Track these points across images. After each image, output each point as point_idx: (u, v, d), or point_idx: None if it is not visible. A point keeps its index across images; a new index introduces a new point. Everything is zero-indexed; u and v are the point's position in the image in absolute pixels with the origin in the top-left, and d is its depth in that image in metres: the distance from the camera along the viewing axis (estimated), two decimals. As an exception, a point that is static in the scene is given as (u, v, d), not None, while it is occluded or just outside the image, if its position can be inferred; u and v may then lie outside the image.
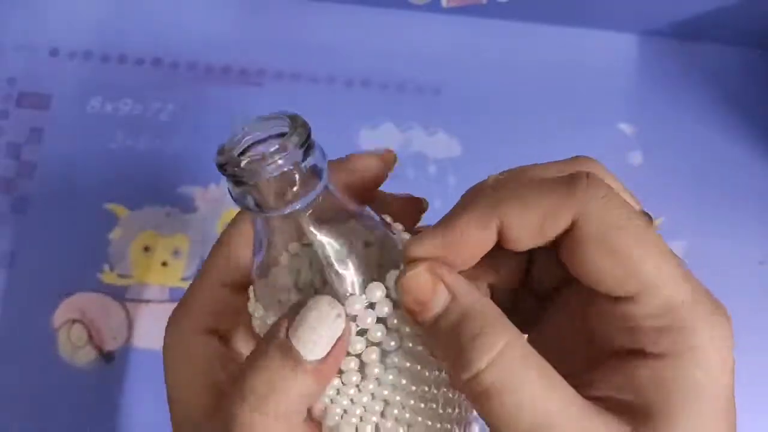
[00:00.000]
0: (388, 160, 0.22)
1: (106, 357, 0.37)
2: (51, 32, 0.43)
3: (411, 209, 0.23)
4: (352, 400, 0.18)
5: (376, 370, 0.18)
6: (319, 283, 0.19)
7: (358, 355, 0.18)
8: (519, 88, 0.45)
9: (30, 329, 0.37)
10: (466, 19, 0.46)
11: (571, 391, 0.16)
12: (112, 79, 0.42)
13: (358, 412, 0.19)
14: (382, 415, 0.19)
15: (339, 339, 0.17)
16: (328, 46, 0.44)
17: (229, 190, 0.17)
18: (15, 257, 0.38)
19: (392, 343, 0.18)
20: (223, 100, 0.43)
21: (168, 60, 0.43)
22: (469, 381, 0.16)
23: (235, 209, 0.40)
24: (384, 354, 0.18)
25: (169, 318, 0.22)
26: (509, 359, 0.16)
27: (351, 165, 0.21)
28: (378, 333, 0.18)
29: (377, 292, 0.18)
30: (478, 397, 0.16)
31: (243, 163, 0.16)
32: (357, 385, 0.18)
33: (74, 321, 0.38)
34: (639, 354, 0.17)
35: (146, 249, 0.39)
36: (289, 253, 0.19)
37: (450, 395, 0.20)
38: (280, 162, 0.16)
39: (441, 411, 0.20)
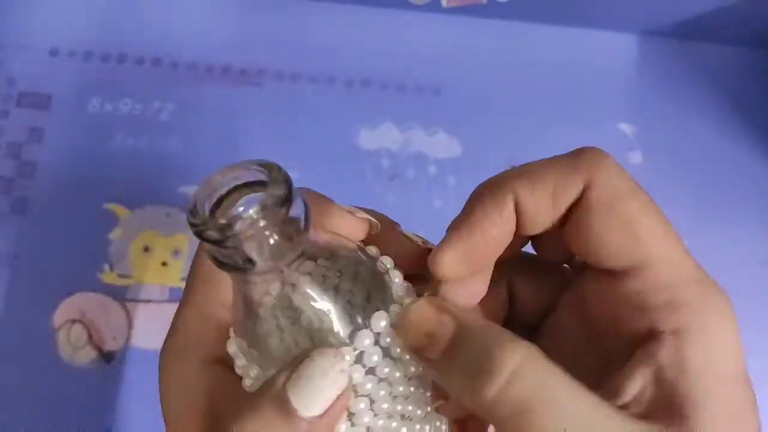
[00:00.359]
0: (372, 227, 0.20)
1: (106, 357, 0.37)
2: (51, 32, 0.43)
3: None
4: None
5: (365, 418, 0.17)
6: (305, 333, 0.17)
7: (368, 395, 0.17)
8: (519, 88, 0.45)
9: (30, 329, 0.37)
10: (466, 19, 0.46)
11: (598, 398, 0.15)
12: (112, 79, 0.42)
13: None
14: None
15: (340, 395, 0.16)
16: (328, 46, 0.44)
17: (206, 250, 0.16)
18: (15, 257, 0.38)
19: (381, 393, 0.17)
20: (223, 100, 0.43)
21: (168, 60, 0.43)
22: (494, 400, 0.15)
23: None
24: (372, 402, 0.18)
25: (164, 346, 0.21)
26: (533, 369, 0.15)
27: (335, 225, 0.19)
28: (368, 385, 0.17)
29: (365, 340, 0.17)
30: (509, 417, 0.15)
31: (219, 226, 0.15)
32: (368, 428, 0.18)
33: (74, 321, 0.38)
34: (652, 337, 0.16)
35: (146, 249, 0.39)
36: (273, 304, 0.18)
37: None
38: (261, 224, 0.14)
39: None
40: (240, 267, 0.15)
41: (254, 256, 0.15)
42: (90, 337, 0.37)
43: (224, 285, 0.19)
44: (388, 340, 0.17)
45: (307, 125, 0.42)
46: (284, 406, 0.16)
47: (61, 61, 0.43)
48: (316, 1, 0.45)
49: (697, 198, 0.43)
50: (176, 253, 0.39)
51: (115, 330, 0.38)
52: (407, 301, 0.18)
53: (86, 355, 0.37)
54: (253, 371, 0.18)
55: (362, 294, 0.18)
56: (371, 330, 0.17)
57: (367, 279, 0.18)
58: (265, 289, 0.17)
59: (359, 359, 0.17)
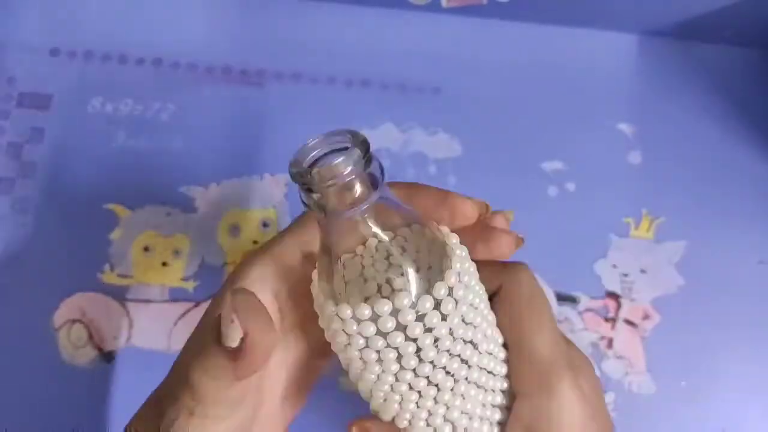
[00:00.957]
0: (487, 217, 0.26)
1: (107, 357, 0.37)
2: (51, 32, 0.43)
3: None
4: (392, 387, 0.21)
5: (413, 362, 0.21)
6: (379, 279, 0.22)
7: (397, 348, 0.21)
8: (519, 88, 0.45)
9: (30, 329, 0.37)
10: (466, 19, 0.46)
11: None
12: (113, 79, 0.42)
13: (397, 396, 0.22)
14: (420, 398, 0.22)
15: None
16: (328, 46, 0.44)
17: (300, 197, 0.20)
18: (15, 257, 0.38)
19: (427, 341, 0.21)
20: (224, 100, 0.43)
21: (168, 60, 0.43)
22: None
23: (234, 210, 0.40)
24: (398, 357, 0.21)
25: (255, 256, 0.24)
26: None
27: (451, 207, 0.24)
28: (416, 330, 0.20)
29: (426, 303, 0.20)
30: None
31: (313, 172, 0.19)
32: (395, 374, 0.21)
33: (74, 321, 0.38)
34: (518, 395, 0.23)
35: (146, 249, 0.39)
36: (353, 252, 0.22)
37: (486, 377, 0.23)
38: (344, 172, 0.19)
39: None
40: (324, 213, 0.19)
41: (336, 202, 0.19)
42: (90, 336, 0.37)
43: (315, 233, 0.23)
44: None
45: (308, 125, 0.42)
46: (216, 334, 0.20)
47: (62, 61, 0.43)
48: (316, 1, 0.45)
49: (697, 198, 0.43)
50: (177, 253, 0.39)
51: (115, 330, 0.38)
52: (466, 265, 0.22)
53: (86, 355, 0.37)
54: (328, 309, 0.21)
55: (426, 259, 0.22)
56: (433, 296, 0.20)
57: (433, 250, 0.22)
58: (347, 244, 0.22)
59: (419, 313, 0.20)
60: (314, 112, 0.43)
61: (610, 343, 0.40)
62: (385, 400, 0.22)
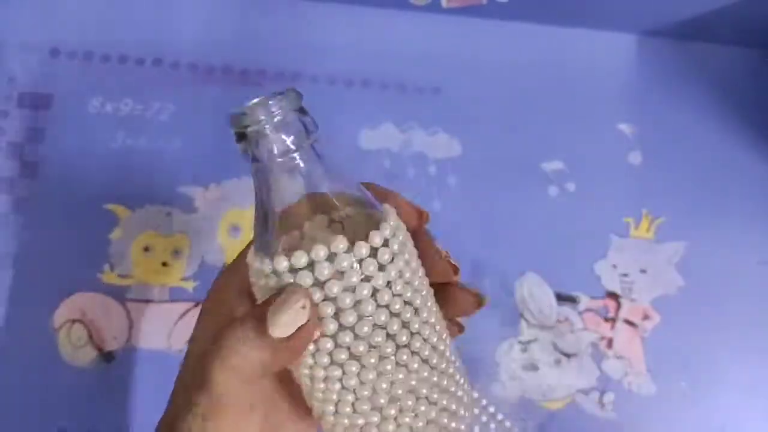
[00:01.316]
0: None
1: (107, 357, 0.37)
2: (51, 32, 0.43)
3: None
4: (331, 357, 0.21)
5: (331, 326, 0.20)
6: (319, 238, 0.21)
7: (335, 299, 0.20)
8: (519, 88, 0.45)
9: (30, 329, 0.37)
10: (466, 19, 0.46)
11: None
12: (113, 80, 0.42)
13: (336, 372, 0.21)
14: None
15: (303, 327, 0.20)
16: (329, 47, 0.44)
17: (238, 147, 0.20)
18: (16, 257, 0.38)
19: (365, 291, 0.20)
20: (224, 101, 0.43)
21: (169, 60, 0.43)
22: None
23: (234, 210, 0.40)
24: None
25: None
26: None
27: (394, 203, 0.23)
28: (353, 277, 0.20)
29: (362, 249, 0.20)
30: None
31: (246, 109, 0.20)
32: (333, 337, 0.20)
33: (74, 321, 0.38)
34: None
35: (147, 249, 0.39)
36: (288, 204, 0.21)
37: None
38: (276, 109, 0.20)
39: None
40: (257, 160, 0.20)
41: (275, 147, 0.20)
42: (90, 336, 0.37)
43: None
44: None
45: (308, 125, 0.42)
46: (261, 325, 0.20)
47: (62, 62, 0.43)
48: (316, 2, 0.45)
49: (697, 198, 0.43)
50: (176, 253, 0.39)
51: (115, 330, 0.38)
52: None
53: (87, 355, 0.37)
54: (264, 266, 0.20)
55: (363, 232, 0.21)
56: (353, 255, 0.20)
57: (370, 223, 0.21)
58: (283, 196, 0.21)
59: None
60: (315, 112, 0.43)
61: (610, 343, 0.40)
62: (325, 379, 0.21)
